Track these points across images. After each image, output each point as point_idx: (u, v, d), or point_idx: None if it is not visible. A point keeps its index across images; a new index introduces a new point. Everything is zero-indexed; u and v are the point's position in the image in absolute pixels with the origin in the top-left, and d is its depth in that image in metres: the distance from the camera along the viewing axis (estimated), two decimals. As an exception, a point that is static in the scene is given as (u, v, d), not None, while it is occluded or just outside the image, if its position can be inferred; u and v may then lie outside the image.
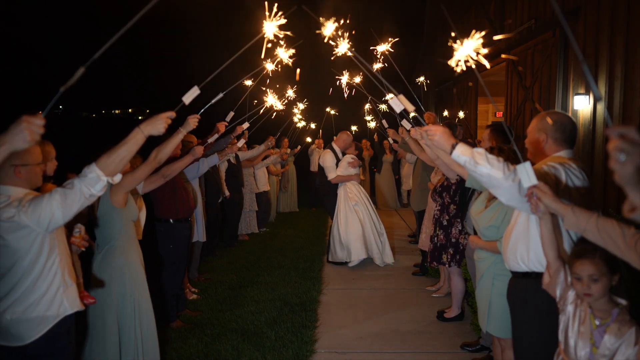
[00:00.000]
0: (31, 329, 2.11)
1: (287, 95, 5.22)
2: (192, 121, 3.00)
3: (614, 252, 1.61)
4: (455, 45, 1.91)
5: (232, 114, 4.46)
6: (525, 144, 2.47)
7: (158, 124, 2.23)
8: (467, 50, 1.89)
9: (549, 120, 2.31)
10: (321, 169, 6.82)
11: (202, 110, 2.98)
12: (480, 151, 2.00)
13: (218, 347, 3.88)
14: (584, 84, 6.28)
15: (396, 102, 2.27)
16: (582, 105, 6.17)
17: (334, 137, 6.88)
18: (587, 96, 6.13)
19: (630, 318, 1.81)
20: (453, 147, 2.05)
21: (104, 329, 2.90)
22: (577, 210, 1.74)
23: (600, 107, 5.87)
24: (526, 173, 1.83)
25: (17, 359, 2.14)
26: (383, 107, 6.80)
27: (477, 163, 1.98)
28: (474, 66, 1.89)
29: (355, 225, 6.35)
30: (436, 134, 2.10)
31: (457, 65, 1.93)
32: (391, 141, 6.69)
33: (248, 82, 4.48)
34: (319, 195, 7.31)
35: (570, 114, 3.80)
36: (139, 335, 3.01)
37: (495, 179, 1.97)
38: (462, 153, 2.02)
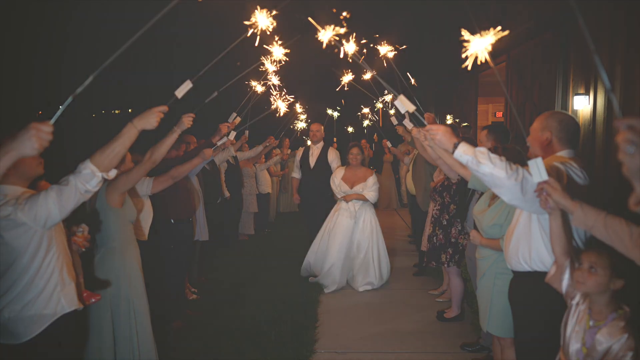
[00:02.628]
0: (28, 327, 2.12)
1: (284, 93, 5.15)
2: (187, 120, 2.95)
3: (619, 250, 1.63)
4: (470, 38, 1.92)
5: (234, 115, 4.46)
6: (527, 142, 2.46)
7: (150, 118, 2.23)
8: (479, 46, 1.91)
9: (555, 119, 2.32)
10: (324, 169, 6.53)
11: (196, 109, 2.95)
12: (482, 150, 2.00)
13: (218, 347, 3.88)
14: (583, 84, 6.27)
15: (400, 102, 2.28)
16: (582, 105, 6.16)
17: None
18: (587, 96, 6.12)
19: (625, 325, 1.79)
20: (455, 147, 2.04)
21: (99, 329, 2.91)
22: (586, 207, 1.75)
23: (601, 107, 5.87)
24: (537, 168, 1.85)
25: (16, 356, 2.15)
26: (379, 105, 6.77)
27: (480, 162, 1.98)
28: (488, 59, 1.89)
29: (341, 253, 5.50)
30: (438, 134, 2.10)
31: (468, 60, 1.94)
32: (389, 144, 6.63)
33: (252, 84, 4.48)
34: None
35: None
36: (135, 337, 3.00)
37: (498, 178, 1.98)
38: (464, 152, 2.02)
